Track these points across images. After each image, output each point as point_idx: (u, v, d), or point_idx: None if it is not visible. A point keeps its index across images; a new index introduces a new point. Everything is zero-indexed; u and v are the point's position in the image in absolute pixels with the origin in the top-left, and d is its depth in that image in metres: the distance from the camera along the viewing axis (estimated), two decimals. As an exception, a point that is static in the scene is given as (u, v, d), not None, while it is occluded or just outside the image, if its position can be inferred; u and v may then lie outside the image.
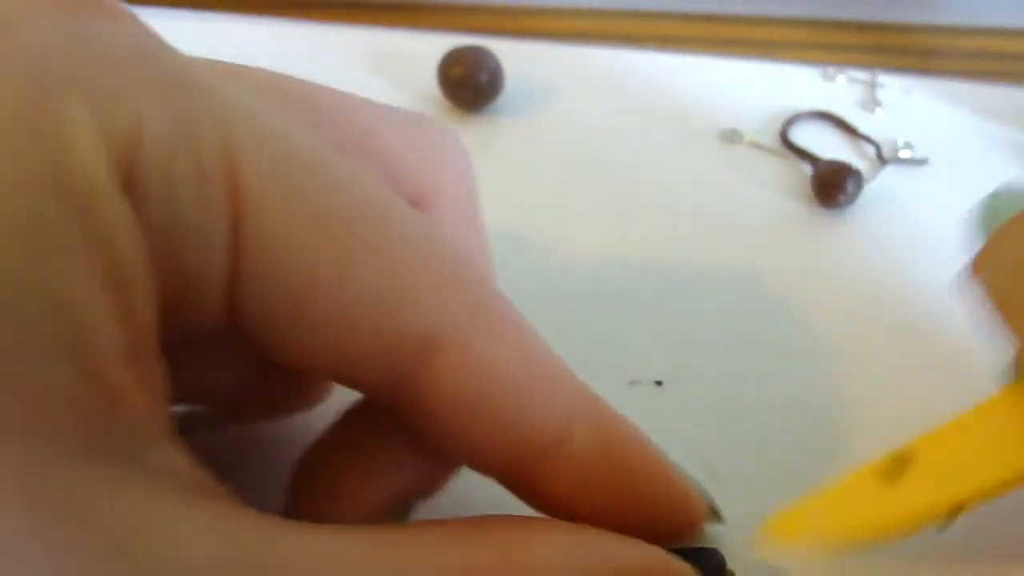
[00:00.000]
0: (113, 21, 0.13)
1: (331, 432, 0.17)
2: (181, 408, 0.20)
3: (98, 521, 0.11)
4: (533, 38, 0.39)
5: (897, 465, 0.18)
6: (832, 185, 0.30)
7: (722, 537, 0.20)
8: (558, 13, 0.42)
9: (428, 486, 0.18)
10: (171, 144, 0.13)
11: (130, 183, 0.13)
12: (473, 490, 0.20)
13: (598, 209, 0.30)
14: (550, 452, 0.16)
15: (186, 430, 0.14)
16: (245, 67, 0.17)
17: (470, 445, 0.16)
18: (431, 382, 0.15)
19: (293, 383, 0.20)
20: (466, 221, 0.19)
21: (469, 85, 0.33)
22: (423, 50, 0.36)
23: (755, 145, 0.33)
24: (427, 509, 0.18)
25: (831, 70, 0.37)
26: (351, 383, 0.16)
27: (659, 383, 0.24)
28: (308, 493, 0.17)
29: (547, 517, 0.16)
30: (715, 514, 0.19)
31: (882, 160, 0.32)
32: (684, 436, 0.23)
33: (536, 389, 0.16)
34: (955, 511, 0.17)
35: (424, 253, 0.15)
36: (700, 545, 0.18)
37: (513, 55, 0.35)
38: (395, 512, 0.17)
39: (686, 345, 0.25)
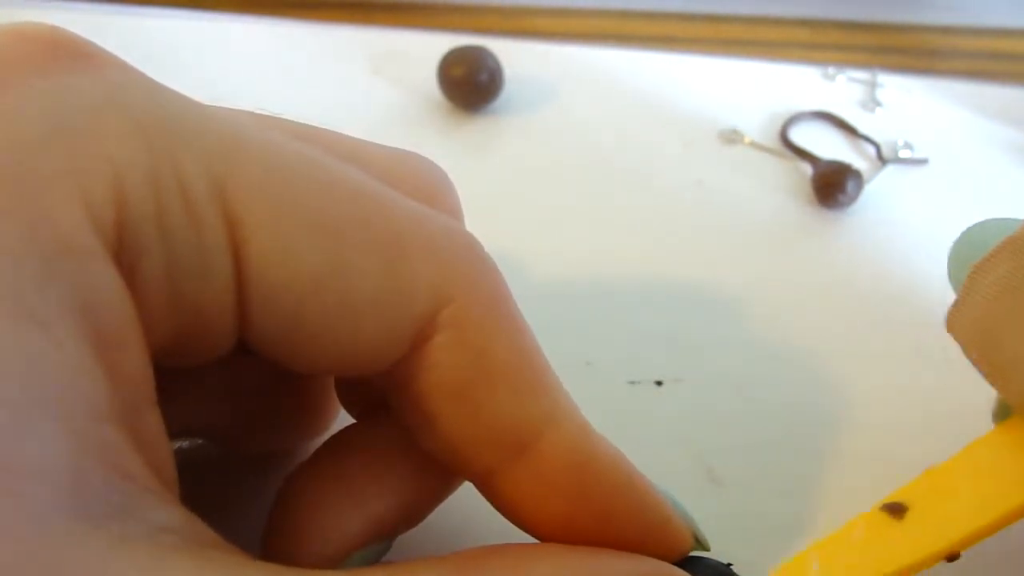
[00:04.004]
0: (87, 70, 0.13)
1: (308, 463, 0.17)
2: (183, 443, 0.21)
3: None
4: (533, 38, 0.39)
5: (894, 514, 0.18)
6: (832, 185, 0.30)
7: (725, 538, 0.20)
8: (558, 13, 0.42)
9: (409, 514, 0.17)
10: (157, 191, 0.13)
11: (122, 236, 0.13)
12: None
13: (598, 209, 0.30)
14: (525, 451, 0.16)
15: (187, 465, 0.14)
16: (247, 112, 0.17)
17: (452, 435, 0.16)
18: (422, 360, 0.15)
19: (295, 415, 0.20)
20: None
21: (469, 85, 0.33)
22: (423, 50, 0.36)
23: (755, 145, 0.33)
24: (408, 541, 0.18)
25: (831, 70, 0.37)
26: (352, 372, 0.16)
27: (659, 383, 0.24)
28: (285, 528, 0.17)
29: (545, 544, 0.16)
30: (699, 543, 0.18)
31: (882, 160, 0.32)
32: (684, 436, 0.23)
33: (520, 382, 0.16)
34: (960, 548, 0.17)
35: (420, 238, 0.15)
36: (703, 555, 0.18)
37: (513, 55, 0.35)
38: (377, 544, 0.17)
39: (686, 345, 0.25)
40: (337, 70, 0.36)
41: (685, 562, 0.18)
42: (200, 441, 0.20)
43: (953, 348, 0.26)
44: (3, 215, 0.12)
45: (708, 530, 0.18)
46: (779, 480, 0.22)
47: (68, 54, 0.13)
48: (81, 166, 0.12)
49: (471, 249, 0.16)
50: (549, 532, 0.17)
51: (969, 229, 0.20)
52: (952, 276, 0.19)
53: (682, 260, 0.28)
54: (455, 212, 0.19)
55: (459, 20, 0.41)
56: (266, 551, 0.17)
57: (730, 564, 0.18)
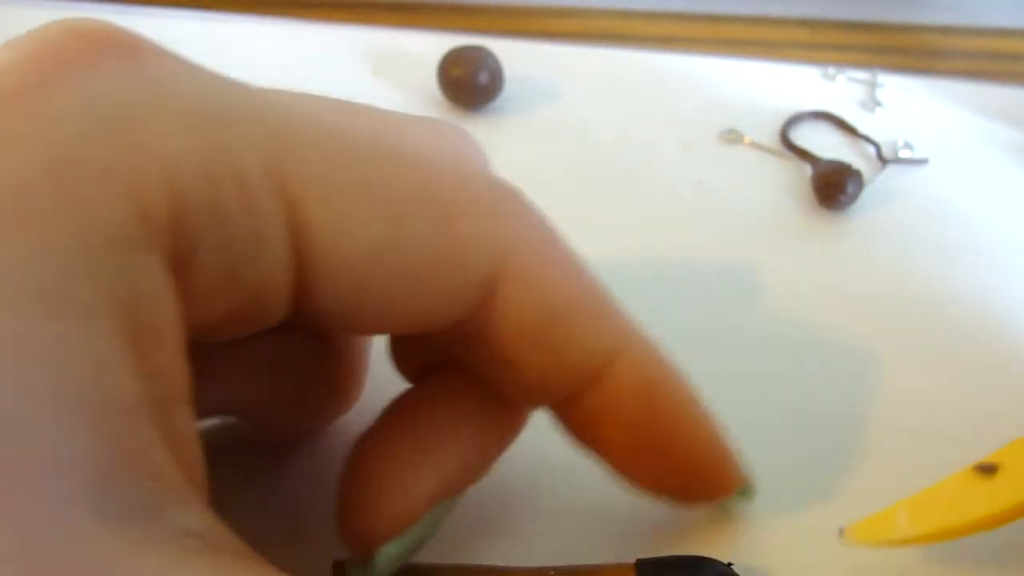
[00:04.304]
0: (138, 64, 0.14)
1: (375, 428, 0.18)
2: (215, 421, 0.21)
3: None
4: (533, 38, 0.39)
5: (985, 473, 0.19)
6: (832, 185, 0.30)
7: (725, 537, 0.20)
8: (558, 13, 0.42)
9: (474, 470, 0.18)
10: (211, 180, 0.13)
11: (177, 227, 0.13)
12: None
13: (598, 209, 0.30)
14: (596, 381, 0.17)
15: (219, 445, 0.14)
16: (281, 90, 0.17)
17: (528, 375, 0.17)
18: (494, 313, 0.16)
19: (326, 391, 0.21)
20: None
21: (469, 85, 0.33)
22: (423, 50, 0.36)
23: (755, 145, 0.33)
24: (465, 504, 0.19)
25: (831, 70, 0.37)
26: (417, 330, 0.17)
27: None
28: (359, 490, 0.17)
29: None
30: (749, 487, 0.19)
31: (882, 160, 0.32)
32: (684, 436, 0.23)
33: (586, 314, 0.17)
34: None
35: (472, 199, 0.16)
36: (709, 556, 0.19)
37: (513, 55, 0.35)
38: (447, 500, 0.18)
39: (686, 345, 0.25)
40: (337, 70, 0.36)
41: (687, 562, 0.18)
42: (230, 420, 0.21)
43: (953, 347, 0.26)
44: (50, 208, 0.12)
45: (709, 529, 0.18)
46: (780, 480, 0.22)
47: (117, 49, 0.14)
48: (131, 161, 0.12)
49: (518, 201, 0.17)
50: (617, 456, 0.18)
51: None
52: None
53: (682, 260, 0.28)
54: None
55: (459, 20, 0.41)
56: (341, 516, 0.17)
57: (731, 564, 0.18)
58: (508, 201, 0.16)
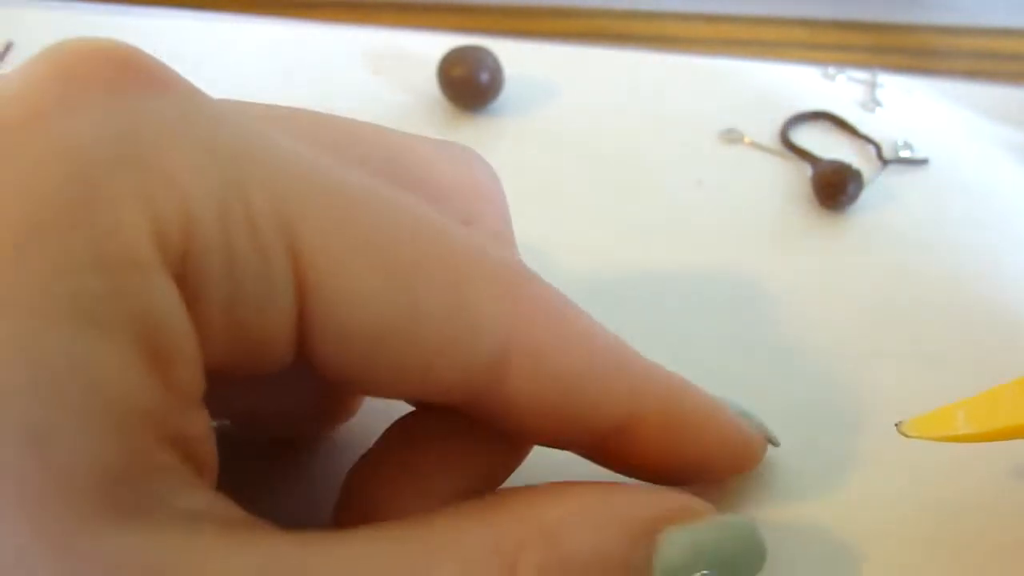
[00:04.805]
0: (158, 92, 0.14)
1: (373, 453, 0.18)
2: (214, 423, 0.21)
3: (128, 570, 0.12)
4: (533, 38, 0.39)
5: None
6: (832, 185, 0.30)
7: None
8: (558, 13, 0.42)
9: (479, 489, 0.18)
10: (224, 221, 0.13)
11: (187, 261, 0.13)
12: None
13: (597, 209, 0.30)
14: (620, 431, 0.17)
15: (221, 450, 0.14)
16: (293, 109, 0.17)
17: (544, 436, 0.17)
18: (504, 391, 0.16)
19: (324, 405, 0.20)
20: (507, 247, 0.20)
21: (469, 85, 0.33)
22: (423, 50, 0.36)
23: (755, 145, 0.33)
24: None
25: (831, 70, 0.37)
26: (426, 400, 0.16)
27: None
28: (354, 515, 0.17)
29: (564, 483, 0.17)
30: (771, 442, 0.21)
31: (882, 160, 0.32)
32: (684, 436, 0.23)
33: (602, 380, 0.16)
34: None
35: (482, 274, 0.15)
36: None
37: (513, 55, 0.35)
38: None
39: (686, 345, 0.25)
40: (337, 70, 0.36)
41: None
42: (225, 423, 0.21)
43: (953, 347, 0.26)
44: (71, 227, 0.12)
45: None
46: (779, 480, 0.22)
47: (142, 75, 0.14)
48: (151, 189, 0.13)
49: (524, 275, 0.16)
50: (641, 476, 0.18)
51: None
52: None
53: (682, 260, 0.28)
54: (502, 209, 0.19)
55: (459, 20, 0.41)
56: None
57: None
58: (517, 277, 0.16)
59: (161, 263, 0.13)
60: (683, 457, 0.18)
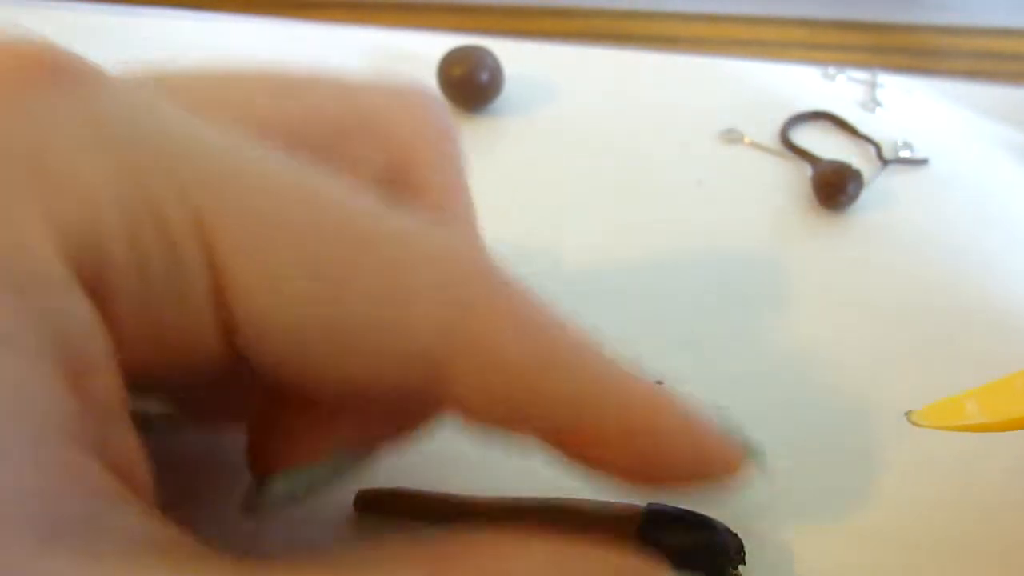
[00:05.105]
0: (69, 92, 0.13)
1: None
2: (150, 410, 0.20)
3: None
4: (533, 38, 0.39)
5: None
6: (832, 185, 0.30)
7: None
8: (558, 13, 0.42)
9: (390, 440, 0.17)
10: (129, 218, 0.13)
11: (94, 261, 0.13)
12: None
13: (598, 209, 0.30)
14: (577, 432, 0.16)
15: (148, 430, 0.14)
16: (221, 76, 0.16)
17: (497, 428, 0.16)
18: (448, 384, 0.15)
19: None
20: (450, 185, 0.19)
21: (469, 85, 0.33)
22: (423, 50, 0.36)
23: (755, 145, 0.33)
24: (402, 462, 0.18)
25: (831, 70, 0.37)
26: (367, 395, 0.16)
27: (659, 383, 0.24)
28: (265, 443, 0.17)
29: (524, 536, 0.16)
30: (753, 456, 0.19)
31: (882, 160, 0.32)
32: (684, 436, 0.23)
33: (555, 376, 0.15)
34: None
35: (419, 268, 0.15)
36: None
37: (513, 55, 0.35)
38: (362, 457, 0.17)
39: (686, 345, 0.25)
40: (337, 70, 0.36)
41: (694, 520, 0.18)
42: (164, 410, 0.21)
43: (953, 346, 0.26)
44: None
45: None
46: (779, 479, 0.22)
47: (50, 72, 0.13)
48: (56, 202, 0.12)
49: (466, 262, 0.15)
50: (612, 470, 0.17)
51: None
52: None
53: (682, 260, 0.28)
54: (452, 156, 0.19)
55: (459, 20, 0.41)
56: (249, 443, 0.17)
57: (736, 533, 0.19)
58: (463, 272, 0.15)
59: (71, 276, 0.12)
60: (649, 464, 0.17)
